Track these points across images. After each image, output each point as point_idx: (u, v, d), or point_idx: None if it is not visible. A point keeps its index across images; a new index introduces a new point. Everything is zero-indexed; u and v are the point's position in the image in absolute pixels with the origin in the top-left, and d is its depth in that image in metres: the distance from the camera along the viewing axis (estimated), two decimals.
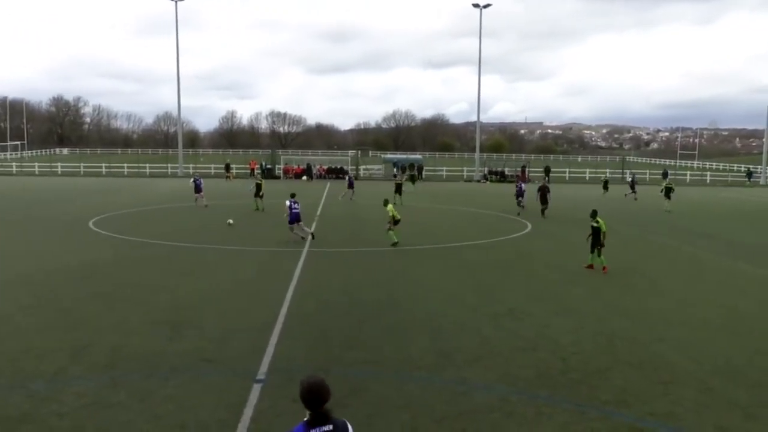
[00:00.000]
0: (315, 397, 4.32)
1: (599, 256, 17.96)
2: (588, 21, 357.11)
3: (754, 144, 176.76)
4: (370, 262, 19.54)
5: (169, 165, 75.04)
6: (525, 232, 26.93)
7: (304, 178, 64.65)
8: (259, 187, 33.68)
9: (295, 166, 69.09)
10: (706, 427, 8.25)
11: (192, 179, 37.96)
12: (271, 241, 22.88)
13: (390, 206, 22.87)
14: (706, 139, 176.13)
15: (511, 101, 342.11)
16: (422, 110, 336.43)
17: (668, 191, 37.33)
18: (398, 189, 38.36)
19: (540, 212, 32.13)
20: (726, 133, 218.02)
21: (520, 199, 34.27)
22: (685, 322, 13.27)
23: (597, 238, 17.90)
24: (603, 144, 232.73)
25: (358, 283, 16.49)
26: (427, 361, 10.59)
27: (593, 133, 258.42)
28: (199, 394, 8.96)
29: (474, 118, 77.49)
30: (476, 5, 66.81)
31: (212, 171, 71.84)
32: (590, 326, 12.82)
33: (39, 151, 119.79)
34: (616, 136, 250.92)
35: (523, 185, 35.62)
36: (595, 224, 17.99)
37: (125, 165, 75.00)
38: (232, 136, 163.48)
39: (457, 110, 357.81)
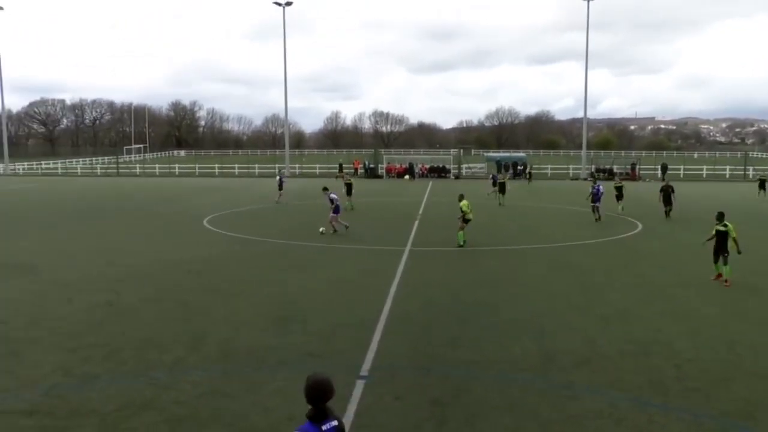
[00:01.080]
0: (320, 394, 4.48)
1: (725, 264, 15.69)
2: (708, 8, 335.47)
3: None
4: (473, 261, 19.37)
5: (276, 165, 77.70)
6: (635, 232, 25.79)
7: (407, 177, 65.06)
8: (349, 186, 34.29)
9: (398, 165, 69.58)
10: None
11: (278, 177, 40.13)
12: (374, 240, 23.17)
13: (465, 202, 21.67)
14: None
15: (621, 96, 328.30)
16: (526, 107, 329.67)
17: None
18: (502, 188, 37.43)
19: (664, 214, 29.45)
20: None
21: (596, 204, 28.74)
22: None
23: (723, 245, 15.65)
24: (722, 139, 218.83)
25: (461, 282, 16.38)
26: (531, 362, 10.37)
27: (711, 127, 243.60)
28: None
29: (580, 114, 75.06)
30: None
31: (317, 171, 73.73)
32: (707, 332, 12.10)
33: (159, 153, 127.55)
34: (737, 130, 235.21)
35: (600, 188, 29.43)
36: (722, 228, 15.69)
37: (236, 165, 78.39)
38: (337, 136, 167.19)
39: (562, 106, 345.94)
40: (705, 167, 73.70)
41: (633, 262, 19.39)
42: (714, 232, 15.96)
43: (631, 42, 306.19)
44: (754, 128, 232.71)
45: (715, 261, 16.05)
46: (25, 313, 13.22)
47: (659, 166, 66.43)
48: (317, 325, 12.37)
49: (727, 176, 68.98)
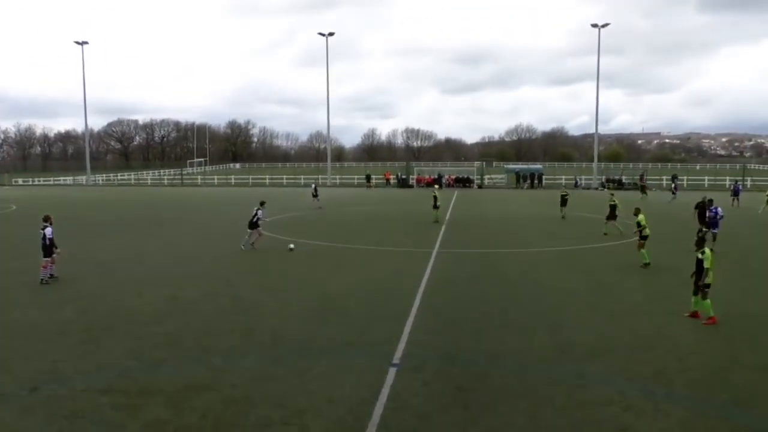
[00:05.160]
0: None
1: (704, 299, 11.93)
2: (717, 33, 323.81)
3: None
4: (495, 261, 19.18)
5: (319, 176, 78.27)
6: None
7: (435, 186, 64.99)
8: (435, 199, 30.91)
9: (427, 176, 69.62)
10: None
11: (312, 185, 41.08)
12: (405, 243, 23.13)
13: (642, 216, 18.18)
14: None
15: (631, 113, 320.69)
16: (544, 123, 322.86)
17: None
18: (564, 201, 32.89)
19: (696, 233, 25.26)
20: None
21: (714, 231, 20.71)
22: None
23: (700, 275, 12.02)
24: (722, 152, 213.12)
25: (483, 280, 16.23)
26: (547, 354, 10.22)
27: (712, 142, 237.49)
28: (344, 374, 9.23)
29: (593, 130, 74.12)
30: (594, 25, 63.94)
31: (355, 181, 74.03)
32: (709, 328, 11.76)
33: (217, 165, 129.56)
34: (736, 144, 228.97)
35: (719, 210, 21.55)
36: (700, 256, 12.06)
37: (284, 176, 79.16)
38: (372, 151, 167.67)
39: (578, 123, 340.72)
40: (706, 177, 71.91)
41: (640, 264, 18.94)
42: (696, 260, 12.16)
43: (644, 64, 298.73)
44: (752, 143, 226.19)
45: (695, 293, 12.19)
46: (103, 305, 13.53)
47: (671, 177, 65.18)
48: (355, 318, 12.39)
49: (727, 186, 67.10)
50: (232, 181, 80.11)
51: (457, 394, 8.44)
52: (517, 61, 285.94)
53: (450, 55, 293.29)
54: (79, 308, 13.22)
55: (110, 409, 7.93)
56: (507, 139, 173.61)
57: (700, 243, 12.33)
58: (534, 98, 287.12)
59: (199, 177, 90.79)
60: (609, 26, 64.64)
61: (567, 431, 7.36)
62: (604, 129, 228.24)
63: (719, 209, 21.64)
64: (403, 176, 69.53)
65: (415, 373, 9.23)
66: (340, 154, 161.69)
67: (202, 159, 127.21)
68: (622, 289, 15.34)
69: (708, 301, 11.93)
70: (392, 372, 9.23)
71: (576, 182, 68.17)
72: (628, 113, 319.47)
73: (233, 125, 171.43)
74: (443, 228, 27.75)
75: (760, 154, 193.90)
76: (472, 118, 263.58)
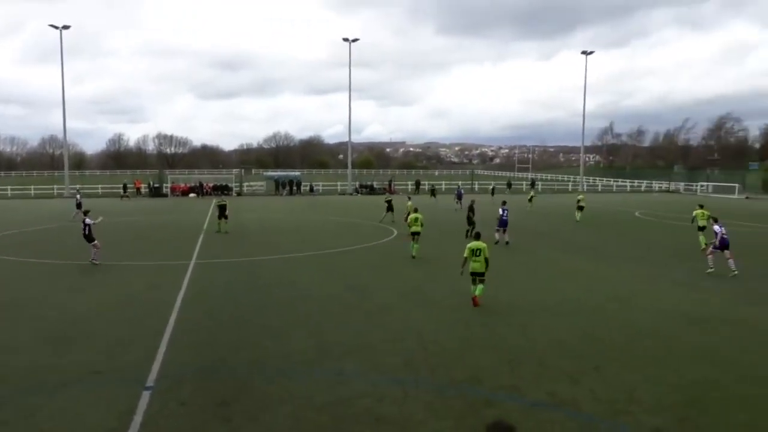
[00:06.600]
0: None
1: (473, 283, 14.20)
2: (452, 54, 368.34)
3: (573, 158, 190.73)
4: (253, 270, 19.05)
5: (55, 186, 69.30)
6: (392, 237, 27.42)
7: (191, 195, 62.21)
8: (222, 208, 29.15)
9: (182, 185, 66.31)
10: (541, 394, 8.81)
11: (77, 196, 37.35)
12: (160, 255, 21.72)
13: (414, 215, 21.71)
14: (537, 155, 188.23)
15: (381, 123, 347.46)
16: (303, 132, 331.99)
17: (531, 198, 44.04)
18: (389, 207, 33.75)
19: (466, 233, 26.08)
20: (552, 149, 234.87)
21: (501, 228, 24.66)
22: (526, 309, 14.02)
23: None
24: (456, 160, 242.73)
25: (242, 289, 16.02)
26: (308, 355, 10.49)
27: (447, 150, 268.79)
28: (88, 406, 8.31)
29: (347, 139, 78.40)
30: (346, 39, 67.61)
31: (99, 191, 67.20)
32: (448, 316, 13.24)
33: None
34: (466, 153, 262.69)
35: (506, 212, 24.74)
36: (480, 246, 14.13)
37: (8, 187, 68.27)
38: (120, 158, 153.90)
39: (334, 132, 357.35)
40: (444, 182, 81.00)
41: (391, 262, 20.54)
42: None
43: (392, 78, 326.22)
44: (478, 151, 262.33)
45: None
46: None
47: (414, 183, 71.79)
48: (102, 342, 11.23)
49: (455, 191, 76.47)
50: None
51: (218, 409, 8.19)
52: (277, 69, 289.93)
53: (206, 59, 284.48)
54: None
55: None
56: (266, 146, 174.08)
57: (477, 237, 14.69)
58: (292, 107, 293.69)
59: None
60: (362, 41, 69.47)
61: (328, 429, 7.64)
62: (357, 138, 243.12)
63: (507, 212, 24.82)
64: (156, 185, 65.18)
65: (171, 393, 8.71)
66: (80, 161, 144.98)
67: None
68: (374, 288, 16.43)
69: (478, 285, 14.13)
70: (146, 396, 8.59)
71: (311, 188, 70.07)
72: (378, 123, 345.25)
73: None
74: (201, 238, 26.70)
75: (485, 161, 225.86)
76: (230, 125, 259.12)
